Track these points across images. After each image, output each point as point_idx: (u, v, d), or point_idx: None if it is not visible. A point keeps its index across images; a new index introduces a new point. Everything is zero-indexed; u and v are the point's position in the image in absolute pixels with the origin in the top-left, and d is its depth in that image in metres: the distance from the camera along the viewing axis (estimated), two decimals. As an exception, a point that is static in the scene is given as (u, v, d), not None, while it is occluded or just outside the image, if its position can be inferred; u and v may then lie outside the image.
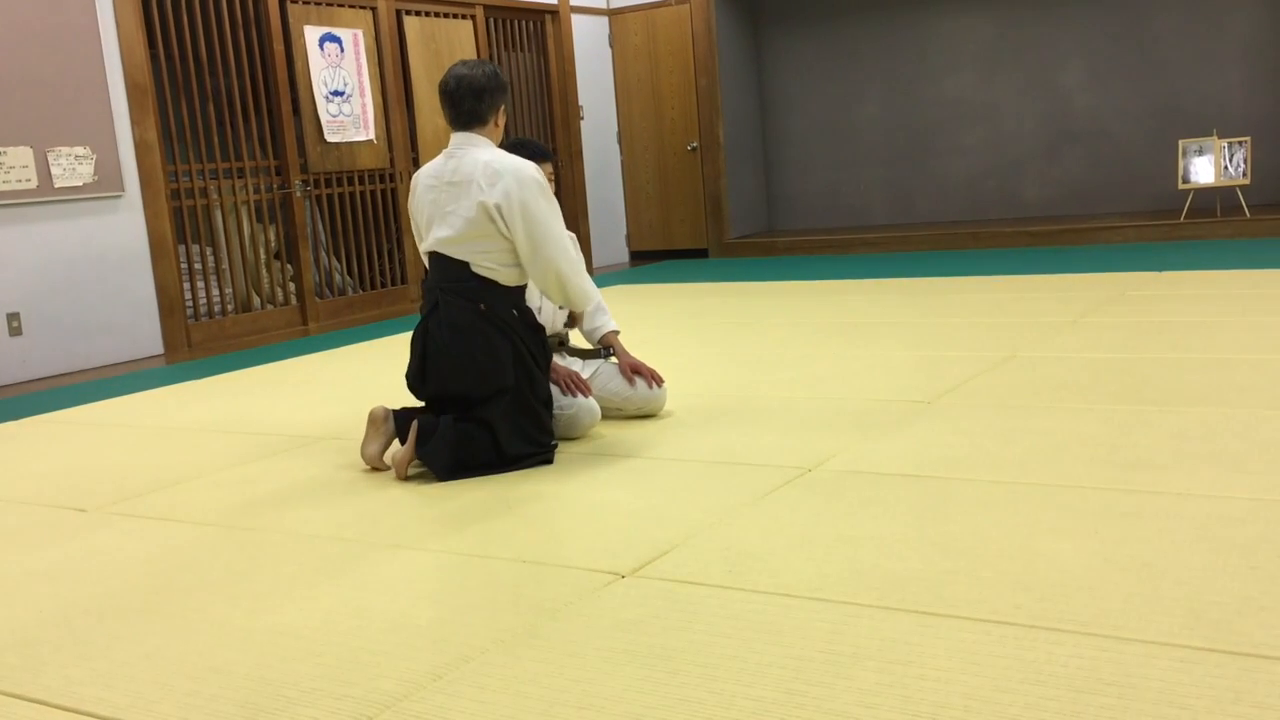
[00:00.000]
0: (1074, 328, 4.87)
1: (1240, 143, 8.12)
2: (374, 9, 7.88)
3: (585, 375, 3.74)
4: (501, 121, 3.45)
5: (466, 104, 3.33)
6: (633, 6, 10.08)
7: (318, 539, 2.83)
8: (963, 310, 5.67)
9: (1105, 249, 7.98)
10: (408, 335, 3.85)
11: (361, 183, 7.91)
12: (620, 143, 10.33)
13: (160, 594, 2.52)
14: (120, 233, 6.44)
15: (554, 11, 9.50)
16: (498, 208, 3.26)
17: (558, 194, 3.71)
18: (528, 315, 3.42)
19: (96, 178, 6.28)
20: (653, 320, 6.21)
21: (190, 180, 6.91)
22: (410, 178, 3.75)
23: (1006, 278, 6.79)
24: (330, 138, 7.55)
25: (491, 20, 8.93)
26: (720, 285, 7.75)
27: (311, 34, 7.44)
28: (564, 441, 3.53)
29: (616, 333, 3.92)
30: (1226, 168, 8.14)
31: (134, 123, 6.46)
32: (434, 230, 3.36)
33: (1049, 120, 9.52)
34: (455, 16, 8.54)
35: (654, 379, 3.83)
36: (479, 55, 8.67)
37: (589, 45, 9.93)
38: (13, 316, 5.97)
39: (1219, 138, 8.17)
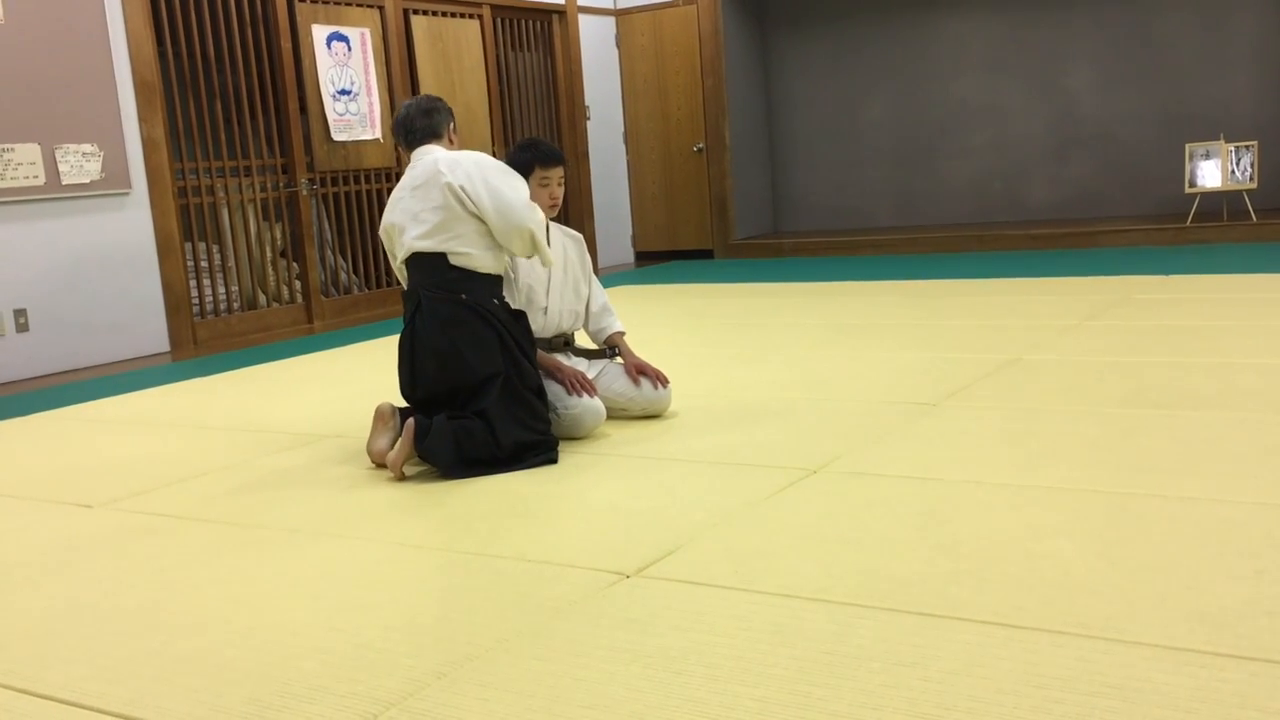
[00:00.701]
0: (1079, 331, 4.87)
1: (1247, 147, 8.11)
2: (381, 8, 7.89)
3: (591, 375, 3.75)
4: (455, 140, 3.66)
5: (419, 122, 3.57)
6: (640, 7, 10.09)
7: (322, 536, 2.83)
8: (968, 313, 5.67)
9: (1111, 252, 7.97)
10: (413, 334, 3.87)
11: (368, 181, 7.92)
12: (626, 143, 10.34)
13: (165, 590, 2.52)
14: (127, 230, 6.45)
15: (561, 11, 9.51)
16: (462, 188, 3.39)
17: (565, 196, 3.74)
18: (508, 304, 3.50)
19: (104, 175, 6.29)
20: (658, 321, 6.22)
21: (197, 178, 6.92)
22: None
23: (1012, 280, 6.78)
24: (337, 136, 7.56)
25: (499, 20, 8.93)
26: (726, 286, 7.75)
27: (319, 33, 7.45)
28: (569, 441, 3.54)
29: (622, 333, 3.92)
30: (1233, 172, 8.13)
31: (141, 120, 6.48)
32: (408, 233, 3.46)
33: (1055, 123, 9.51)
34: (462, 16, 8.55)
35: (659, 380, 3.83)
36: (486, 55, 8.68)
37: (596, 45, 9.93)
38: (19, 313, 5.99)
39: (1226, 142, 8.16)
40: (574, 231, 3.96)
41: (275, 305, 7.43)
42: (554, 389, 3.57)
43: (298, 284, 7.58)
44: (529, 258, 3.57)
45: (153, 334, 6.60)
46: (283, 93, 7.32)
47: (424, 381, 3.41)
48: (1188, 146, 8.31)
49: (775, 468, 3.12)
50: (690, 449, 3.41)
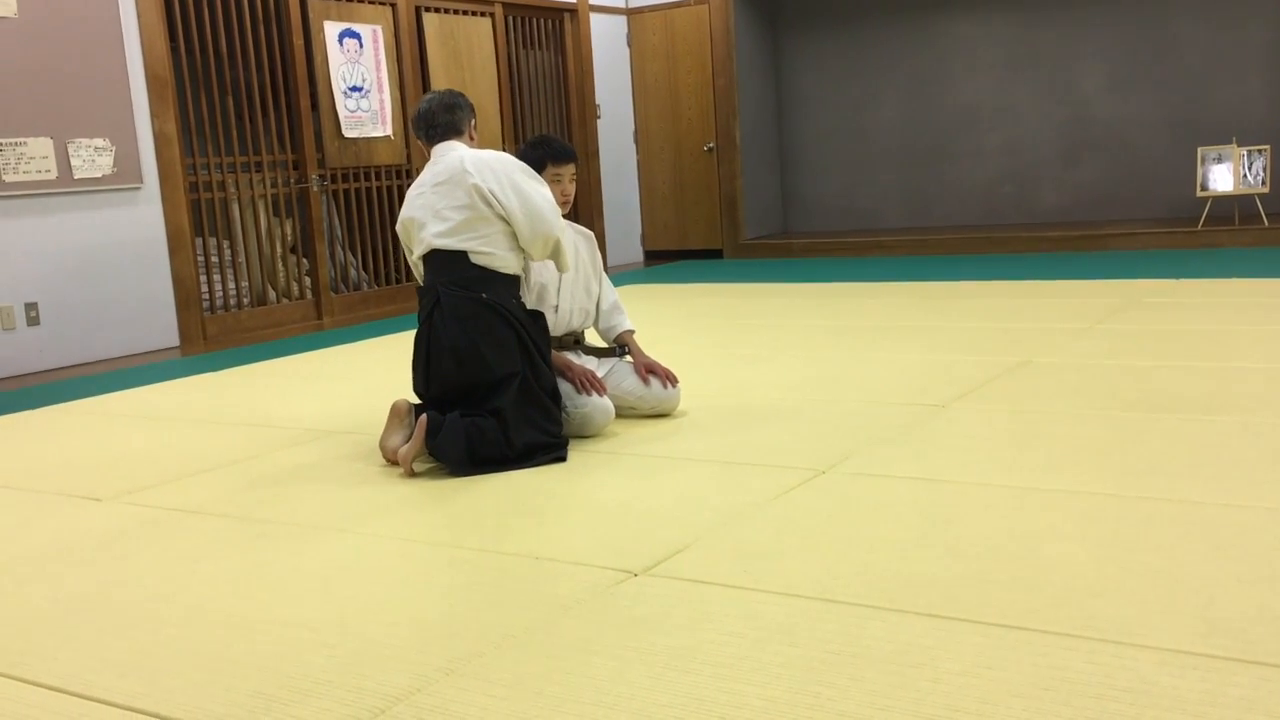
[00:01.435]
0: (1089, 334, 4.86)
1: (1260, 151, 8.08)
2: (394, 5, 7.90)
3: (600, 374, 3.75)
4: (476, 135, 3.65)
5: (441, 118, 3.57)
6: (651, 6, 10.08)
7: (331, 531, 2.84)
8: (978, 315, 5.66)
9: (1122, 256, 7.95)
10: (423, 331, 3.88)
11: (378, 178, 7.93)
12: (637, 142, 10.34)
13: (174, 584, 2.53)
14: (138, 225, 6.47)
15: (573, 10, 9.51)
16: (491, 191, 3.39)
17: (576, 194, 3.75)
18: (525, 305, 3.50)
19: (115, 169, 6.31)
20: (667, 320, 6.22)
21: (208, 173, 6.94)
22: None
23: (1022, 283, 6.77)
24: (348, 133, 7.57)
25: (510, 18, 8.94)
26: (735, 286, 7.75)
27: (331, 29, 7.47)
28: (578, 440, 3.54)
29: (632, 332, 3.92)
30: (1245, 176, 8.11)
31: (154, 115, 6.49)
32: (429, 229, 3.45)
33: (1067, 126, 9.49)
34: (474, 14, 8.55)
35: (668, 379, 3.83)
36: (497, 53, 8.69)
37: (607, 44, 9.93)
38: (30, 306, 6.00)
39: (1238, 145, 8.14)
40: (585, 229, 3.96)
41: (285, 301, 7.44)
42: (564, 387, 3.57)
43: (308, 280, 7.59)
44: (541, 260, 3.58)
45: (163, 329, 6.61)
46: (294, 89, 7.33)
47: (440, 378, 3.40)
48: (1200, 150, 8.28)
49: (783, 468, 3.11)
50: (699, 448, 3.41)
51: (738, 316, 6.28)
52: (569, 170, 3.70)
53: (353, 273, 7.95)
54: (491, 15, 8.70)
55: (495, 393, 3.31)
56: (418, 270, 3.58)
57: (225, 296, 7.08)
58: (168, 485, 3.41)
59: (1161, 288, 6.10)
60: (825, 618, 2.08)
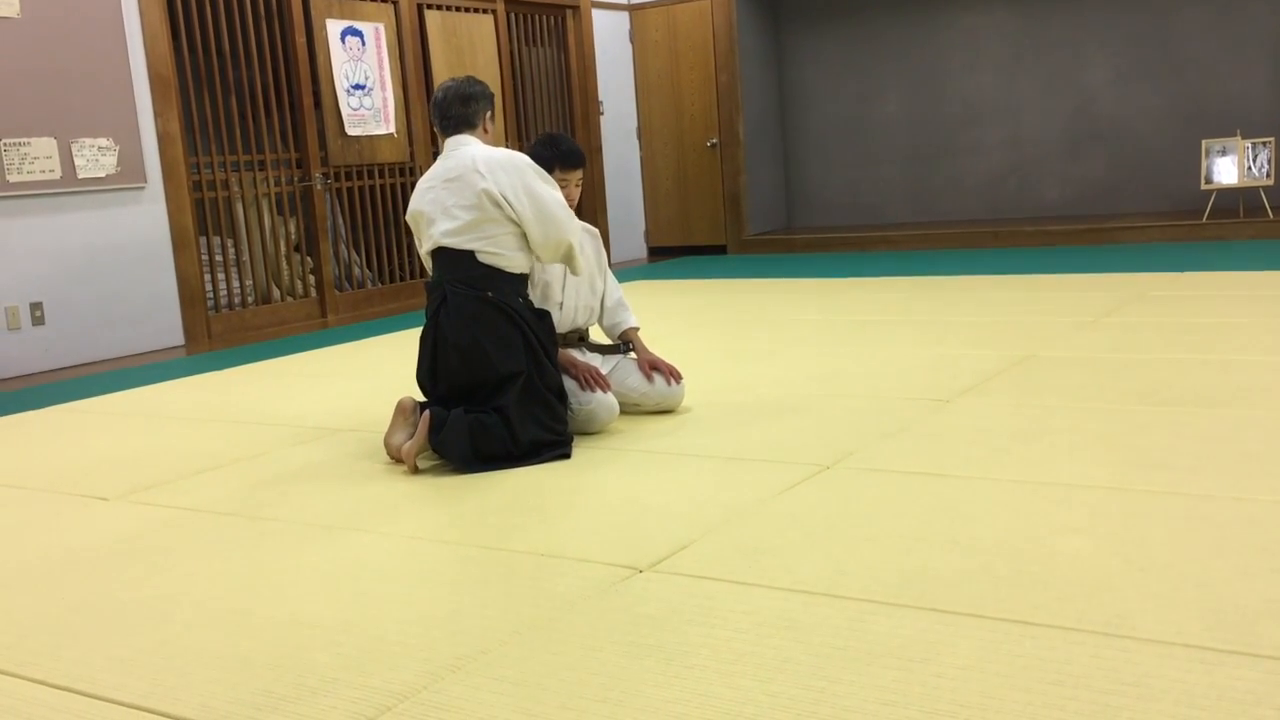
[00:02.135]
0: (1094, 328, 4.85)
1: (1264, 143, 8.06)
2: (396, 3, 7.90)
3: (604, 370, 3.75)
4: (490, 128, 3.62)
5: (454, 109, 3.52)
6: (654, 2, 10.08)
7: (336, 530, 2.84)
8: (982, 309, 5.65)
9: (1126, 249, 7.94)
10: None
11: (381, 176, 7.93)
12: (640, 138, 10.33)
13: (180, 582, 2.53)
14: (142, 224, 6.48)
15: (575, 6, 9.50)
16: (503, 196, 3.37)
17: (581, 195, 3.73)
18: (532, 303, 3.50)
19: (119, 169, 6.31)
20: (671, 316, 6.21)
21: (212, 172, 6.94)
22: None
23: (1026, 277, 6.76)
24: (351, 131, 7.57)
25: (512, 15, 8.93)
26: (738, 282, 7.74)
27: (333, 27, 7.47)
28: (582, 436, 3.54)
29: (636, 329, 3.92)
30: (1250, 168, 8.09)
31: (157, 114, 6.50)
32: (437, 225, 3.43)
33: (1071, 119, 9.47)
34: (476, 11, 8.55)
35: (672, 375, 3.83)
36: (499, 50, 8.68)
37: (609, 40, 9.93)
38: (35, 306, 6.01)
39: (1243, 138, 8.12)
40: (590, 226, 3.95)
41: (289, 299, 7.45)
42: (568, 384, 3.57)
43: (312, 278, 7.60)
44: (551, 264, 3.57)
45: (167, 328, 6.62)
46: (297, 87, 7.33)
47: (445, 376, 3.40)
48: (1204, 143, 8.27)
49: (788, 463, 3.11)
50: (703, 444, 3.41)
51: (741, 312, 6.27)
52: (576, 175, 3.70)
53: (357, 271, 7.95)
54: (494, 12, 8.70)
55: (500, 391, 3.31)
56: (428, 262, 3.57)
57: (230, 295, 7.09)
58: (173, 484, 3.41)
59: (1166, 281, 6.09)
60: (830, 613, 2.08)
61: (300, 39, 7.31)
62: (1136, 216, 8.93)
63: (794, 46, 10.56)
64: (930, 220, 10.08)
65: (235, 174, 7.09)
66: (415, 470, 3.30)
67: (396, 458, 3.41)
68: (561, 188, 3.60)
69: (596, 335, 3.96)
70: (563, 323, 3.74)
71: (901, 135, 10.16)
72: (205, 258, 6.94)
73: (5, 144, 5.82)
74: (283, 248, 7.46)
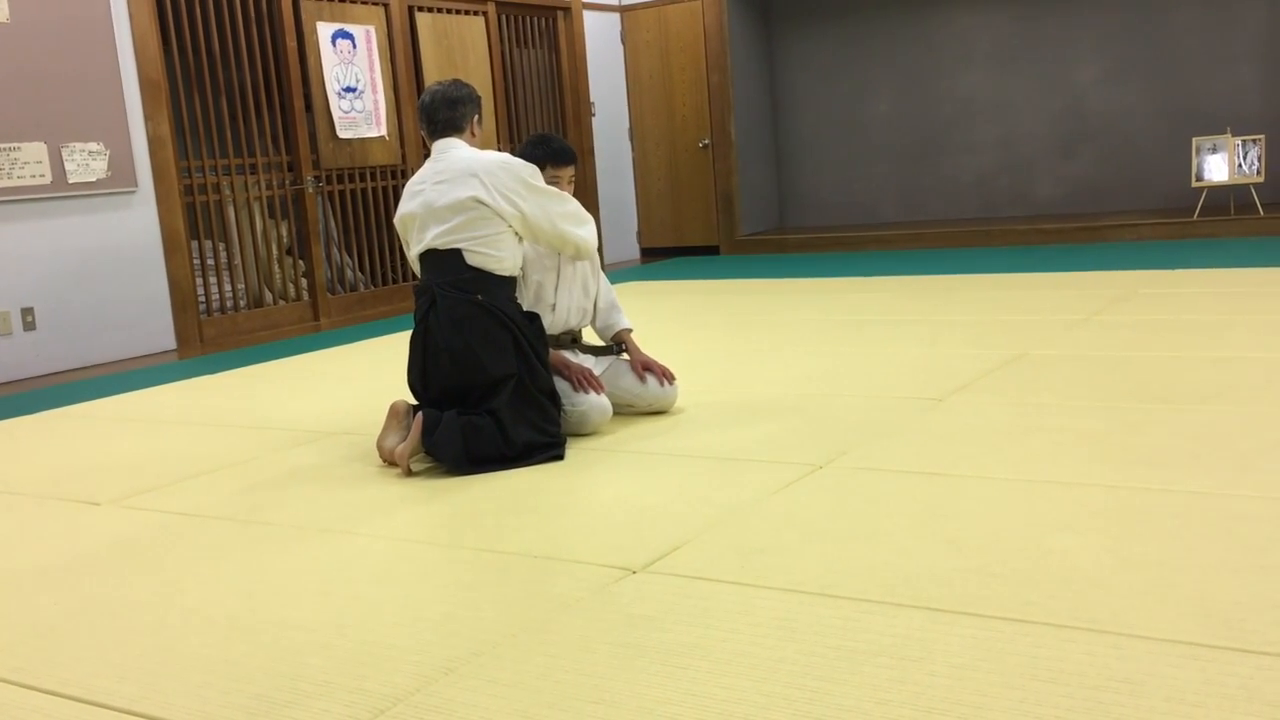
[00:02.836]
0: (1086, 326, 4.86)
1: (1254, 140, 8.09)
2: (386, 5, 7.90)
3: (597, 372, 3.75)
4: (478, 131, 3.60)
5: (441, 113, 3.51)
6: (645, 3, 10.08)
7: (330, 533, 2.84)
8: (974, 308, 5.66)
9: (1118, 247, 7.95)
10: (419, 331, 3.88)
11: (373, 179, 7.92)
12: (632, 139, 10.34)
13: (172, 587, 2.53)
14: (133, 228, 6.46)
15: (566, 8, 9.50)
16: (505, 198, 3.37)
17: (574, 194, 3.74)
18: (520, 306, 3.50)
19: (110, 173, 6.30)
20: (664, 317, 6.22)
21: (203, 176, 6.93)
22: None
23: (1018, 275, 6.77)
24: (342, 134, 7.57)
25: (503, 16, 8.93)
26: (731, 282, 7.75)
27: (324, 30, 7.46)
28: (575, 438, 3.54)
29: (629, 330, 3.92)
30: (1240, 165, 8.11)
31: (147, 118, 6.49)
32: (428, 229, 3.43)
33: (1062, 118, 9.49)
34: (467, 13, 8.55)
35: (665, 376, 3.83)
36: (490, 52, 8.68)
37: (601, 41, 9.93)
38: (26, 311, 6.00)
39: (1233, 135, 8.14)
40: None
41: (281, 303, 7.44)
42: (561, 386, 3.57)
43: (304, 281, 7.59)
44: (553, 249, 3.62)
45: (159, 332, 6.61)
46: (288, 90, 7.32)
47: (436, 379, 3.40)
48: (1194, 140, 8.29)
49: (781, 463, 3.12)
50: (697, 445, 3.41)
51: (734, 313, 6.28)
52: (568, 173, 3.70)
53: (349, 273, 7.94)
54: (485, 14, 8.69)
55: (491, 395, 3.31)
56: (416, 266, 3.56)
57: (221, 299, 7.08)
58: (166, 489, 3.41)
59: (1158, 278, 6.10)
60: (824, 612, 2.08)
61: (291, 42, 7.30)
62: (1128, 214, 8.95)
63: (785, 46, 10.57)
64: (922, 219, 10.09)
65: (226, 177, 7.08)
66: (408, 473, 3.29)
67: (389, 460, 3.40)
68: (554, 185, 3.61)
69: (589, 337, 3.96)
70: (555, 324, 3.74)
71: (893, 135, 10.18)
72: (197, 262, 6.92)
73: (-5, 149, 5.81)
74: (275, 251, 7.45)
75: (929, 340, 4.83)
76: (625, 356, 3.88)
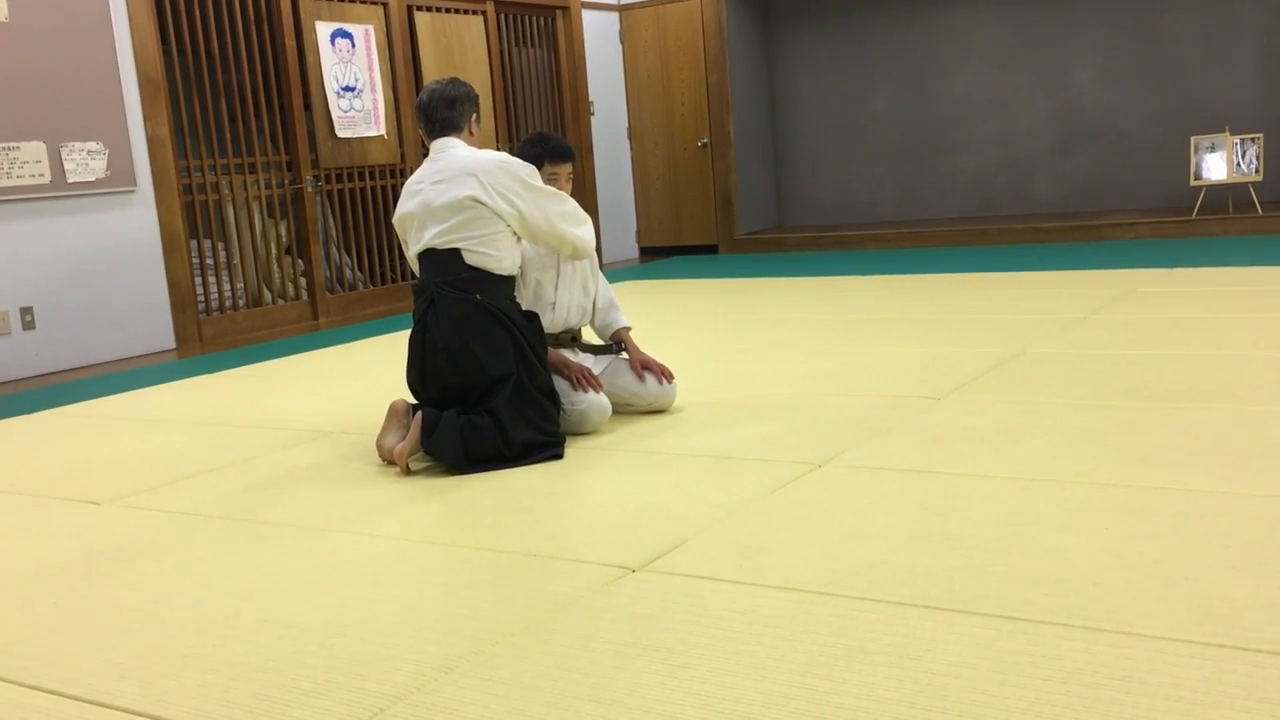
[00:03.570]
0: (1084, 324, 4.87)
1: (1253, 139, 8.09)
2: (385, 4, 7.90)
3: (596, 371, 3.75)
4: (476, 130, 3.60)
5: (440, 113, 3.51)
6: (643, 2, 10.08)
7: (329, 532, 2.84)
8: (973, 306, 5.67)
9: (1116, 246, 7.96)
10: (418, 330, 3.88)
11: (372, 178, 7.92)
12: (631, 138, 10.34)
13: (172, 586, 2.53)
14: (132, 228, 6.46)
15: (565, 7, 9.50)
16: (504, 198, 3.37)
17: (573, 192, 3.75)
18: (519, 305, 3.50)
19: (109, 173, 6.30)
20: (663, 316, 6.22)
21: (202, 175, 6.93)
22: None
23: (1017, 274, 6.78)
24: (341, 133, 7.57)
25: (502, 15, 8.93)
26: (730, 281, 7.75)
27: (323, 29, 7.46)
28: (574, 437, 3.54)
29: (628, 329, 3.92)
30: (1239, 164, 8.11)
31: (146, 118, 6.49)
32: (426, 229, 3.43)
33: (1060, 116, 9.50)
34: (466, 12, 8.55)
35: (664, 375, 3.83)
36: (489, 51, 8.68)
37: (600, 40, 9.93)
38: (25, 311, 6.00)
39: (1231, 134, 8.15)
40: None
41: (281, 302, 7.44)
42: (560, 384, 3.58)
43: (303, 281, 7.59)
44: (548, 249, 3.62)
45: (158, 331, 6.61)
46: (287, 90, 7.32)
47: (435, 379, 3.40)
48: (1193, 139, 8.29)
49: (780, 462, 3.12)
50: (695, 444, 3.42)
51: (733, 312, 6.28)
52: (566, 169, 3.71)
53: (348, 273, 7.94)
54: (483, 13, 8.69)
55: (490, 394, 3.31)
56: (415, 265, 3.57)
57: (221, 298, 7.08)
58: (165, 488, 3.41)
59: (1156, 277, 6.11)
60: (822, 611, 2.08)
61: (290, 41, 7.30)
62: (1126, 213, 8.95)
63: (784, 46, 10.57)
64: (920, 218, 10.09)
65: (225, 177, 7.08)
66: (407, 472, 3.30)
67: (389, 460, 3.41)
68: (552, 182, 3.62)
69: (588, 336, 3.96)
70: (555, 323, 3.75)
71: (892, 134, 10.18)
72: (196, 261, 6.93)
73: (-6, 148, 5.81)
74: (274, 250, 7.45)
75: (927, 339, 4.84)
76: (624, 355, 3.88)
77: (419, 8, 8.16)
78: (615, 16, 10.15)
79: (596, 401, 3.60)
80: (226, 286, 7.15)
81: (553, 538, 2.66)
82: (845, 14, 10.21)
